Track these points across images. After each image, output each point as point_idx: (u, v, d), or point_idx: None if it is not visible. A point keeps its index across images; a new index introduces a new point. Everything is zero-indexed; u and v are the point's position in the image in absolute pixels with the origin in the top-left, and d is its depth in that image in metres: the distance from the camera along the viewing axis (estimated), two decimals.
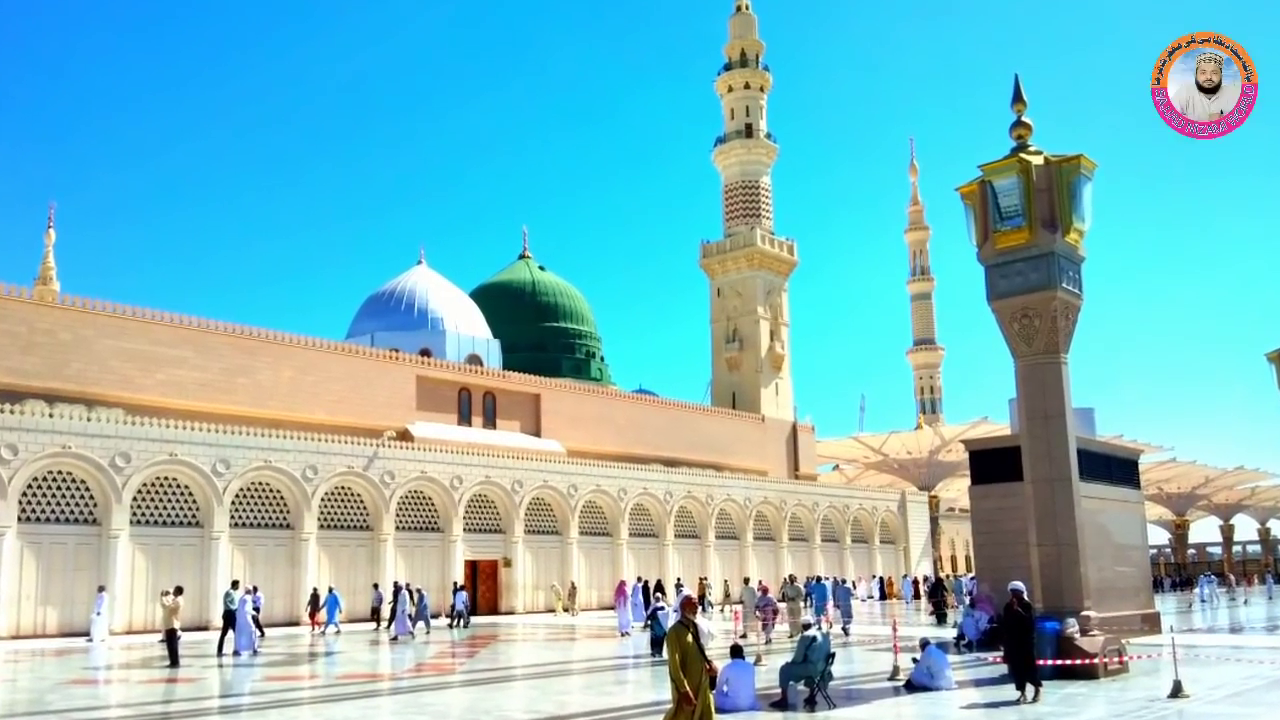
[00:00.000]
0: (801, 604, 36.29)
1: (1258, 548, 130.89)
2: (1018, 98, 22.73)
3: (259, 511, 43.36)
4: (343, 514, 46.06)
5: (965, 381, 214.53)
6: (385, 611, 40.39)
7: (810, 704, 16.69)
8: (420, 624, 38.20)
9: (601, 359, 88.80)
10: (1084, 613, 20.51)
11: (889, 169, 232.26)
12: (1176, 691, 17.02)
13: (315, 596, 40.59)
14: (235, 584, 31.84)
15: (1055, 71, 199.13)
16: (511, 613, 50.92)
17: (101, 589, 35.95)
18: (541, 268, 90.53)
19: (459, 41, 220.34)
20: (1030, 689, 17.01)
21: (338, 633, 37.88)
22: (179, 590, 27.92)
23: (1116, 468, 32.19)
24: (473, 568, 50.86)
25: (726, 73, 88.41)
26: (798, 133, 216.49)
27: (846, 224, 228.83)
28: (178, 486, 40.96)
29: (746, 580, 47.88)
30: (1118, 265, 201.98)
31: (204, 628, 38.04)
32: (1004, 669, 18.97)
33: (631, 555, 57.84)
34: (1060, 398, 21.53)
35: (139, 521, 39.51)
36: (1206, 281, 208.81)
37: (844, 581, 53.04)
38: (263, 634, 31.84)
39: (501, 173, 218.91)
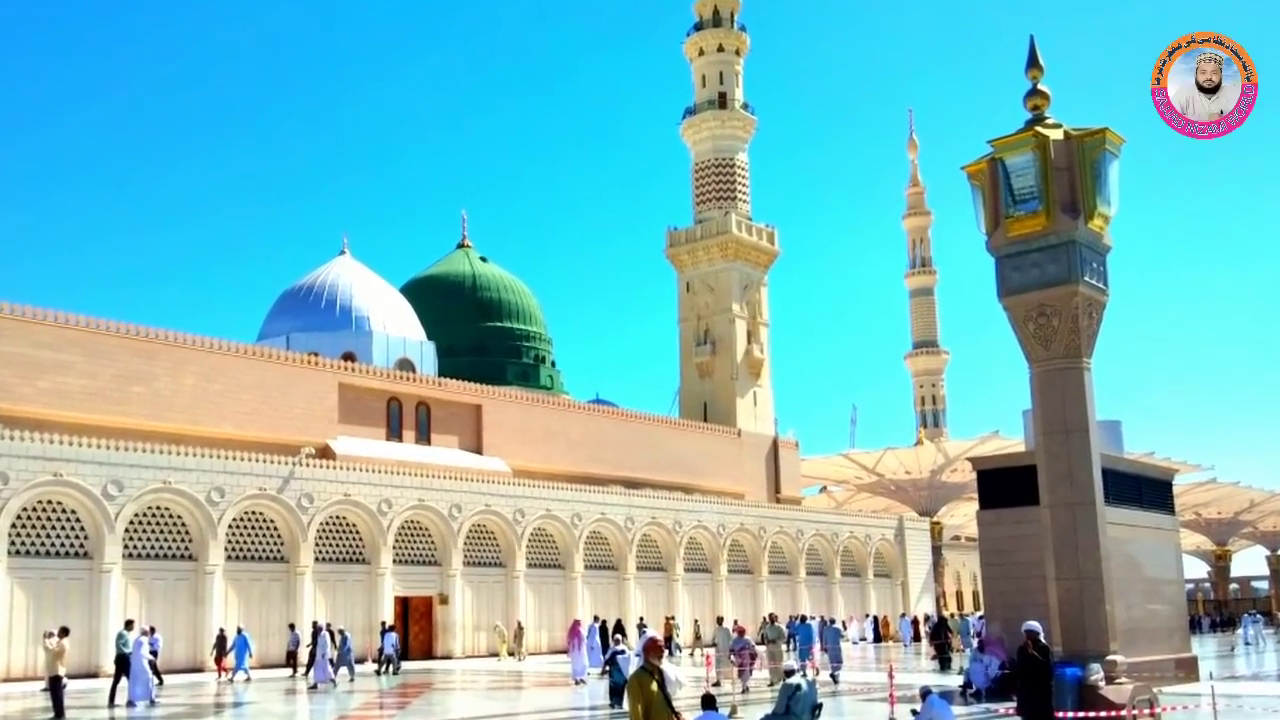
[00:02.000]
0: (783, 647, 36.39)
1: None
2: (1033, 62, 22.86)
3: (157, 540, 42.99)
4: (254, 543, 45.79)
5: (972, 390, 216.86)
6: (303, 655, 40.33)
7: None
8: (343, 670, 38.09)
9: (552, 364, 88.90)
10: (1110, 657, 20.62)
11: (884, 145, 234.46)
12: None
13: (222, 638, 40.41)
14: (129, 624, 31.69)
15: (1075, 33, 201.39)
16: (449, 657, 50.83)
17: None
18: (483, 259, 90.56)
19: None
20: None
21: (248, 680, 37.83)
22: (64, 631, 27.62)
23: (1147, 490, 32.54)
24: (404, 605, 50.72)
25: (697, 33, 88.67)
26: (779, 103, 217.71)
27: (836, 209, 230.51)
28: (63, 511, 40.56)
29: (720, 619, 48.08)
30: (1149, 257, 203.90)
31: (94, 674, 37.78)
32: None
33: (587, 591, 57.84)
34: (1082, 409, 21.67)
35: (18, 552, 39.08)
36: (1250, 276, 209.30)
37: (832, 621, 53.36)
38: (161, 681, 31.66)
39: (436, 150, 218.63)
